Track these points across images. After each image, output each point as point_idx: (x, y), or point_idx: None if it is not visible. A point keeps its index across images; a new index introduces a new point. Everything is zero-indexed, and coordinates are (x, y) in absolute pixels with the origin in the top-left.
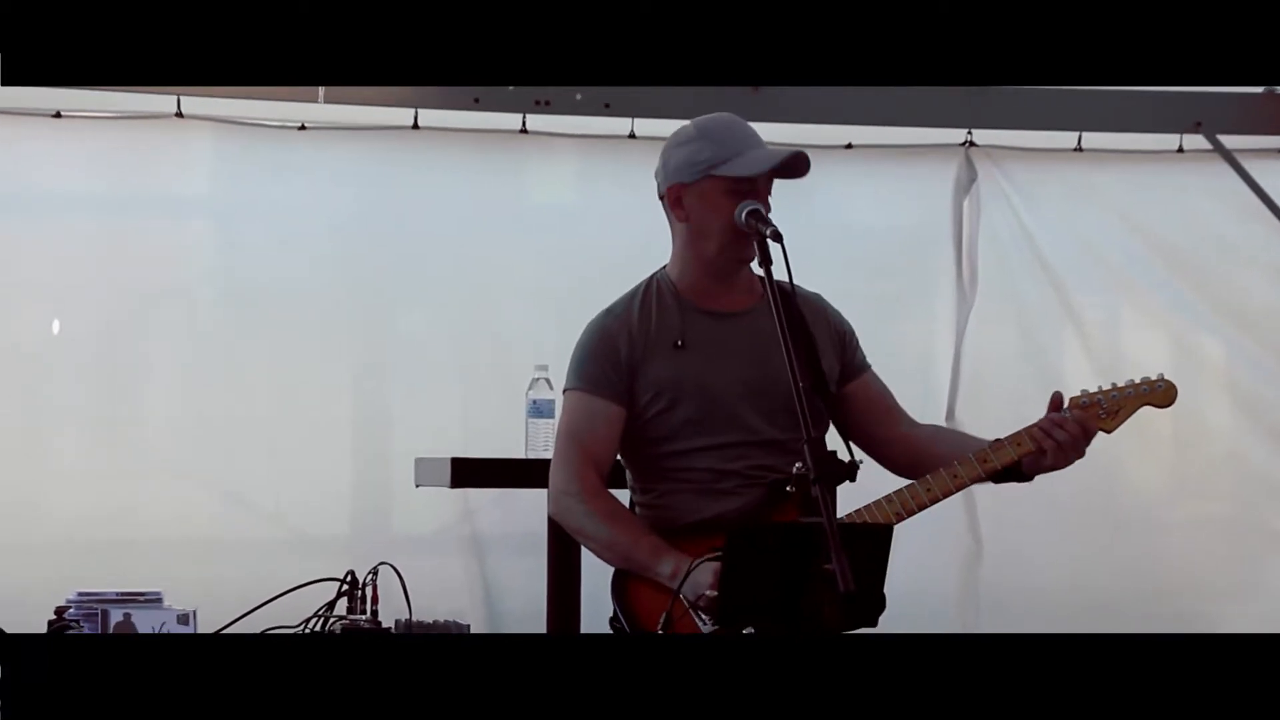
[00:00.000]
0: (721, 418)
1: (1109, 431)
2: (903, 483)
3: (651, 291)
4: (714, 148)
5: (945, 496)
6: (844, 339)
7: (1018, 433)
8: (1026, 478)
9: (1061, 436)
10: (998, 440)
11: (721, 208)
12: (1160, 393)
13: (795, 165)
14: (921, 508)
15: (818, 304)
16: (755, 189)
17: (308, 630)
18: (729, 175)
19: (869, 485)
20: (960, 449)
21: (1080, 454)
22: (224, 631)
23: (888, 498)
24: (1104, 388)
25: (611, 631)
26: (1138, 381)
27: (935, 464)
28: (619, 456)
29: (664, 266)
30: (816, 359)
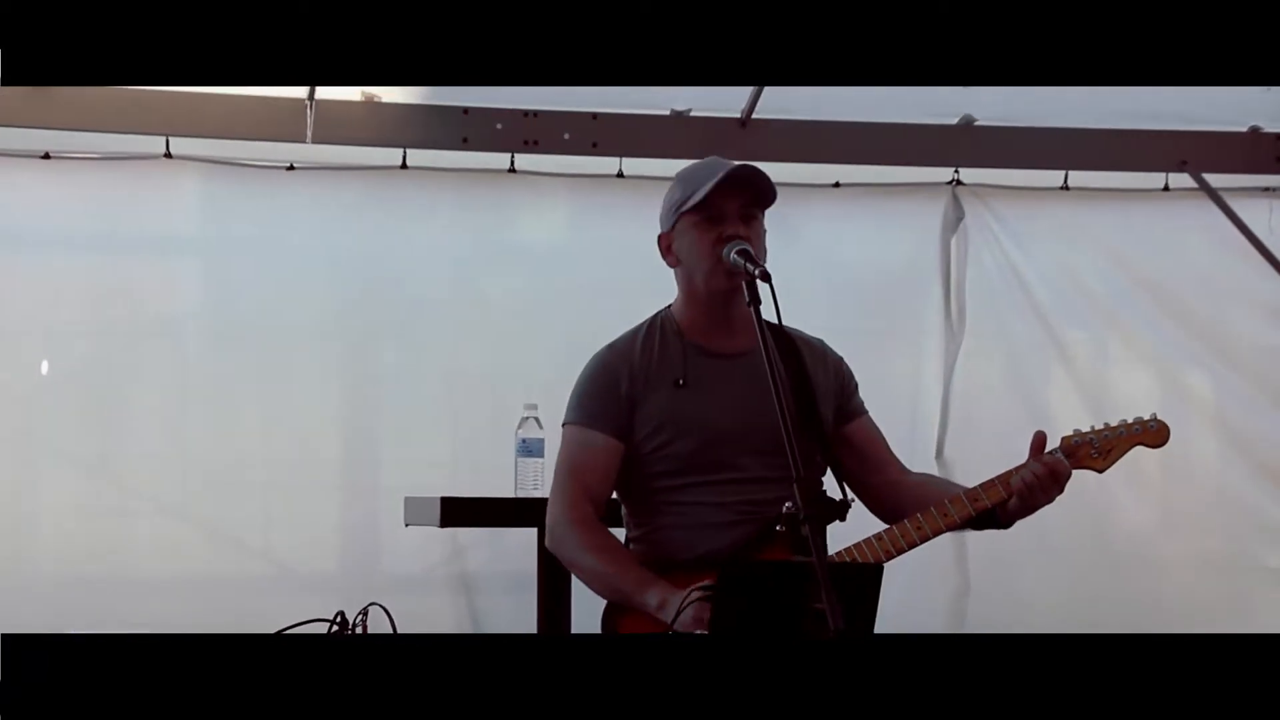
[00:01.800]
0: (718, 455)
1: (1100, 471)
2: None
3: (655, 329)
4: (683, 188)
5: (935, 535)
6: (843, 382)
7: (1004, 474)
8: (1006, 524)
9: (1028, 478)
10: (989, 480)
11: (698, 241)
12: (1153, 433)
13: (748, 179)
14: (911, 546)
15: (819, 348)
16: (724, 217)
17: None
18: (690, 207)
19: (859, 523)
20: (947, 493)
21: (1049, 498)
22: None
23: (877, 535)
24: (1096, 427)
25: None
26: (1130, 421)
27: (921, 509)
28: (615, 493)
29: (669, 306)
30: (813, 402)
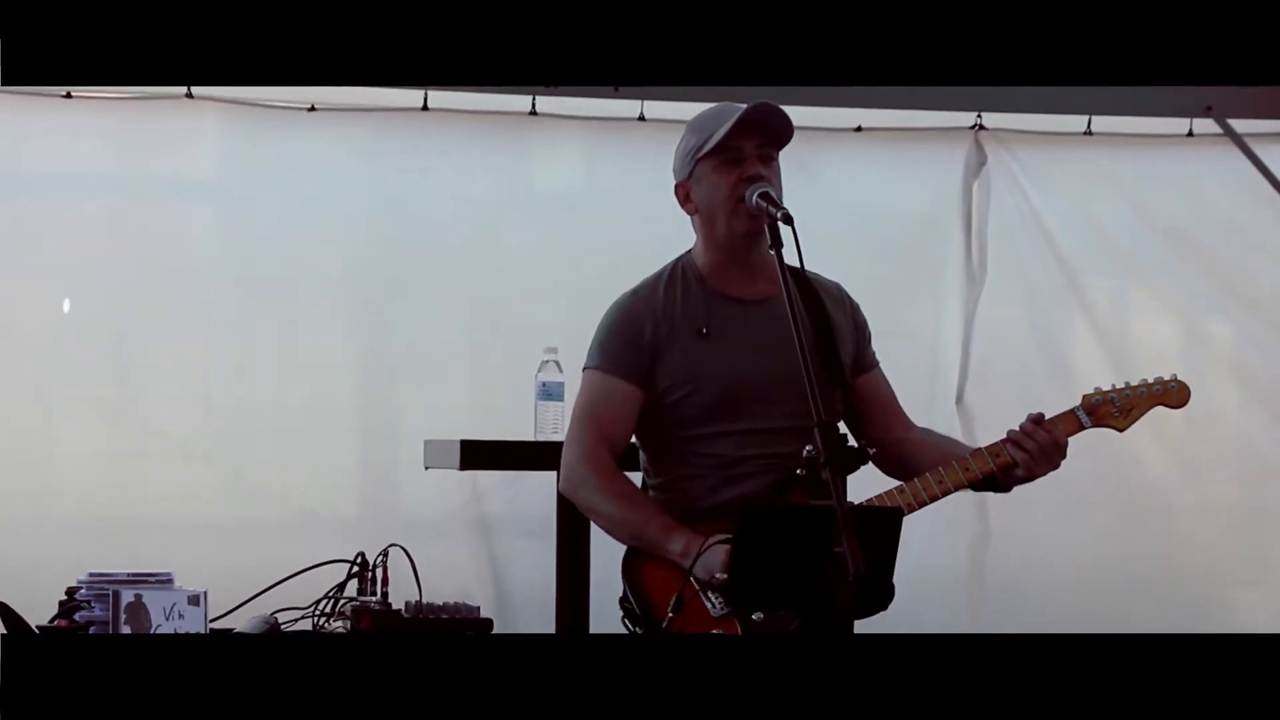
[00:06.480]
0: (741, 406)
1: (1121, 430)
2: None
3: (677, 275)
4: (697, 135)
5: (957, 489)
6: (860, 331)
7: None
8: (1005, 488)
9: (1030, 446)
10: (996, 443)
11: (718, 185)
12: (1174, 393)
13: (765, 118)
14: (934, 499)
15: (838, 293)
16: (742, 158)
17: (318, 611)
18: (707, 152)
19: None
20: (952, 452)
21: (1053, 465)
22: (235, 611)
23: (899, 488)
24: (1117, 386)
25: (620, 610)
26: (1151, 381)
27: (924, 468)
28: (633, 439)
29: (688, 251)
30: (834, 347)
